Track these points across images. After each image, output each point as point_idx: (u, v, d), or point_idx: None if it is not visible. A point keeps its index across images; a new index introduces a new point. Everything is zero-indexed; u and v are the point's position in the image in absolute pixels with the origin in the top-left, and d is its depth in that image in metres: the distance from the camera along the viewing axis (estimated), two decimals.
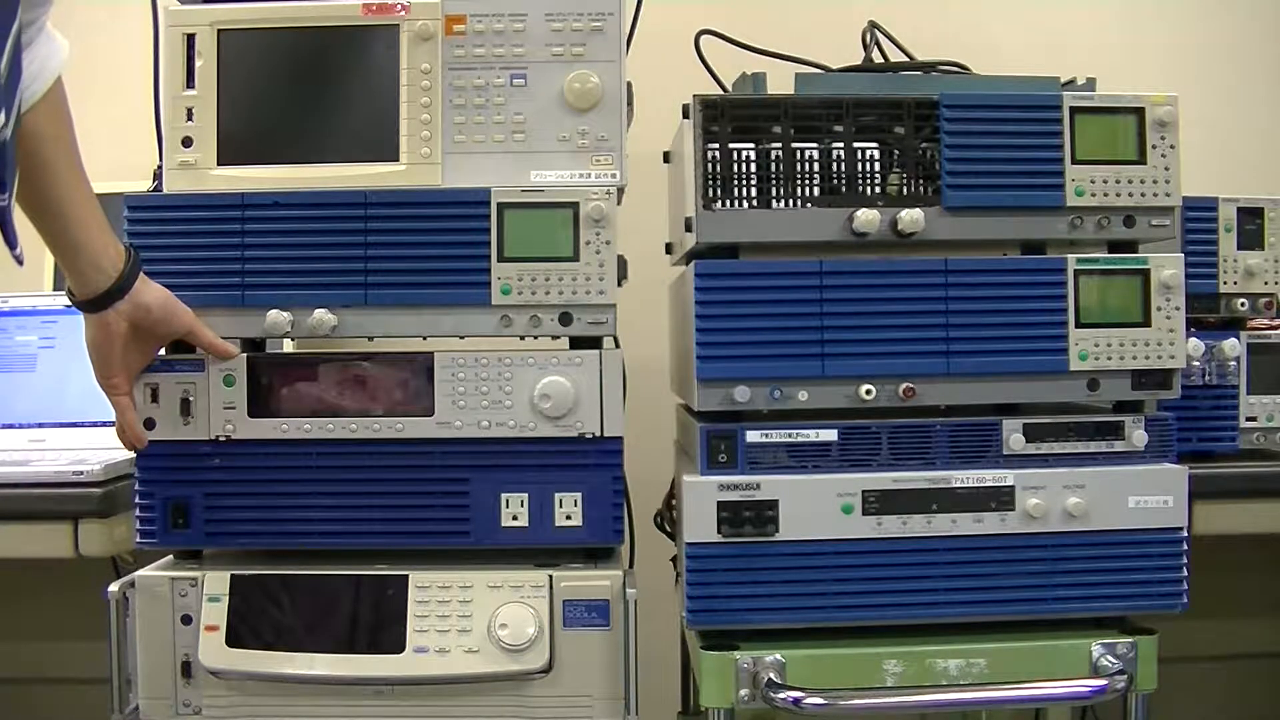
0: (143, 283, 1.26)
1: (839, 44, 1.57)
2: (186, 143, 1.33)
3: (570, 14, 1.33)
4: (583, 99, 1.33)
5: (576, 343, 1.35)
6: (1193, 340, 1.49)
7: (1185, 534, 1.32)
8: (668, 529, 1.67)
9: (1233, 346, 1.58)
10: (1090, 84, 1.39)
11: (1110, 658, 1.29)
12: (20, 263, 1.06)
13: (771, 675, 1.26)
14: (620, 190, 1.36)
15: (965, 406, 1.34)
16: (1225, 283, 1.63)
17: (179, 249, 1.32)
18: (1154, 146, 1.33)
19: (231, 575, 1.30)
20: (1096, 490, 1.31)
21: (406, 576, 1.30)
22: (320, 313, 1.31)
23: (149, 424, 1.33)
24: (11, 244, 1.02)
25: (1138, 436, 1.33)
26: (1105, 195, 1.33)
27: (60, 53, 1.15)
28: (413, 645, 1.27)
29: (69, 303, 1.26)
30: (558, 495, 1.32)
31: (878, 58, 1.57)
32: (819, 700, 1.24)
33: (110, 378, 1.27)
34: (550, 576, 1.30)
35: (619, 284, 1.33)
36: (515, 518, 1.32)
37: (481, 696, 1.29)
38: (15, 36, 0.96)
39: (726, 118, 1.31)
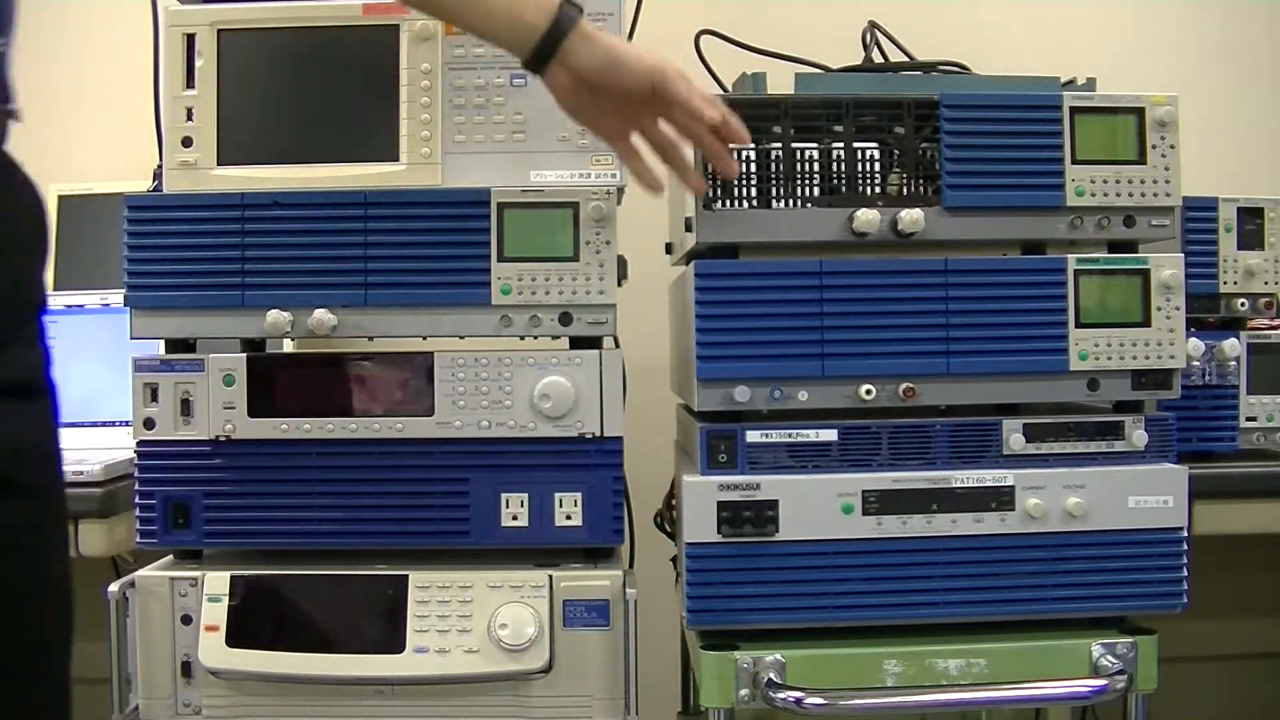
0: (579, 40, 1.08)
1: (839, 44, 1.57)
2: (186, 143, 1.33)
3: None
4: None
5: (576, 343, 1.36)
6: (1193, 340, 1.49)
7: (1185, 534, 1.32)
8: (668, 529, 1.67)
9: (1233, 346, 1.58)
10: (1090, 84, 1.39)
11: (1110, 658, 1.29)
12: (16, 117, 0.98)
13: (771, 675, 1.26)
14: (620, 190, 1.36)
15: (965, 406, 1.34)
16: (1225, 283, 1.62)
17: (179, 249, 1.32)
18: (1154, 146, 1.33)
19: (231, 575, 1.30)
20: (1096, 490, 1.31)
21: (406, 576, 1.30)
22: (320, 313, 1.31)
23: (149, 424, 1.33)
24: (5, 97, 0.95)
25: (1138, 436, 1.33)
26: (1105, 195, 1.33)
27: None
28: (413, 645, 1.27)
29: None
30: (558, 495, 1.32)
31: (878, 58, 1.57)
32: (819, 700, 1.24)
33: (590, 127, 1.18)
34: (550, 576, 1.30)
35: (619, 284, 1.33)
36: (515, 518, 1.32)
37: (481, 696, 1.29)
38: None
39: None
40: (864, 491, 1.29)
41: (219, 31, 1.33)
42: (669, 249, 1.65)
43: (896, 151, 1.34)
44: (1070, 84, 1.40)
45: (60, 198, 1.88)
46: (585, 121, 1.16)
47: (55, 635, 0.90)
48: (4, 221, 0.87)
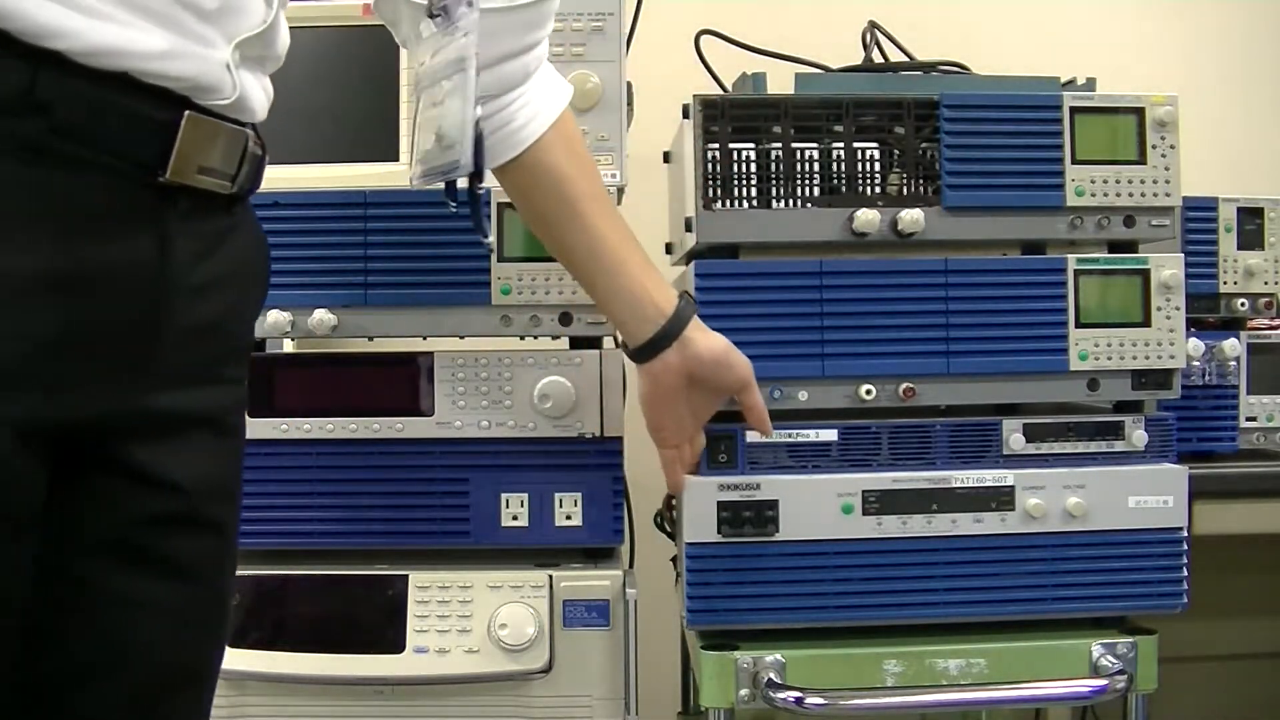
0: (696, 330, 1.18)
1: (839, 44, 1.57)
2: None
3: (570, 14, 1.33)
4: (583, 99, 1.32)
5: (576, 343, 1.36)
6: (1193, 340, 1.49)
7: (1185, 534, 1.32)
8: (668, 529, 1.66)
9: (1233, 346, 1.58)
10: (1090, 84, 1.39)
11: (1110, 658, 1.29)
12: (493, 252, 1.14)
13: (771, 675, 1.26)
14: (620, 190, 1.36)
15: (965, 406, 1.34)
16: (1225, 283, 1.63)
17: None
18: (1154, 146, 1.33)
19: None
20: (1096, 490, 1.31)
21: (406, 576, 1.30)
22: (320, 313, 1.31)
23: None
24: (484, 232, 1.06)
25: (1138, 436, 1.33)
26: (1105, 195, 1.33)
27: (562, 94, 1.13)
28: (413, 645, 1.27)
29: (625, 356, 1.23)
30: (558, 495, 1.32)
31: (878, 58, 1.57)
32: (819, 700, 1.24)
33: (659, 430, 1.23)
34: (550, 576, 1.30)
35: None
36: (515, 518, 1.32)
37: (481, 696, 1.29)
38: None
39: (726, 118, 1.31)
40: (864, 491, 1.29)
41: None
42: (669, 249, 1.64)
43: (896, 151, 1.34)
44: (1070, 84, 1.40)
45: None
46: (664, 411, 1.21)
47: (214, 668, 0.91)
48: (224, 258, 0.85)
